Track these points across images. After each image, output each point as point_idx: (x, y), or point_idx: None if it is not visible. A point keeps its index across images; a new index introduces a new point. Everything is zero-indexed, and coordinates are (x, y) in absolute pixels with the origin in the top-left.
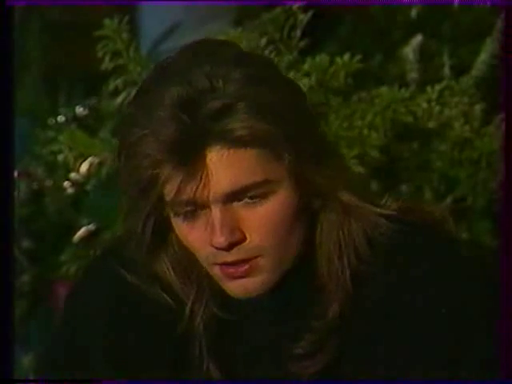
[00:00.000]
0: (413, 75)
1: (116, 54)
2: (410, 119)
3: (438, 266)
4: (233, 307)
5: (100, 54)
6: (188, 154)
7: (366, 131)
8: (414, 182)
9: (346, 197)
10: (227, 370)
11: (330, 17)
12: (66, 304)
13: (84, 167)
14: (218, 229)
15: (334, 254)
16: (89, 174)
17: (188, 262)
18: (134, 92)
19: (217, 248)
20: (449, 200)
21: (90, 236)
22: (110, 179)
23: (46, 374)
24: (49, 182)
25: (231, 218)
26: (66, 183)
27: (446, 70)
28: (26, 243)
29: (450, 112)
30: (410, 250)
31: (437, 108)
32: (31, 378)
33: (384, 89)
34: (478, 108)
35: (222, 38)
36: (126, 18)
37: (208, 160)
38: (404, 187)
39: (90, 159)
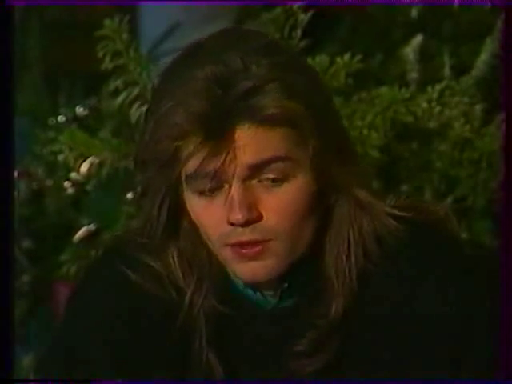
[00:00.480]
0: (413, 75)
1: (116, 54)
2: (410, 119)
3: (444, 267)
4: (233, 301)
5: (100, 54)
6: (217, 127)
7: (366, 131)
8: (414, 182)
9: (360, 194)
10: (227, 362)
11: (330, 17)
12: (69, 304)
13: (84, 167)
14: (236, 204)
15: (343, 252)
16: (89, 174)
17: (192, 252)
18: (163, 69)
19: (233, 224)
20: (449, 200)
21: (90, 236)
22: (111, 179)
23: (48, 375)
24: (49, 182)
25: (250, 195)
26: (67, 183)
27: (447, 70)
28: (26, 243)
29: (450, 112)
30: (418, 251)
31: (437, 108)
32: (31, 378)
33: (384, 89)
34: (478, 108)
35: None
36: (126, 18)
37: (236, 136)
38: (404, 187)
39: (90, 159)
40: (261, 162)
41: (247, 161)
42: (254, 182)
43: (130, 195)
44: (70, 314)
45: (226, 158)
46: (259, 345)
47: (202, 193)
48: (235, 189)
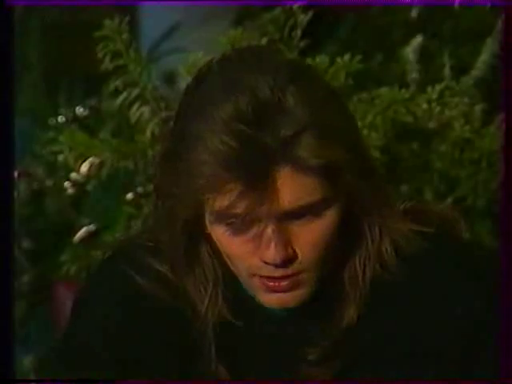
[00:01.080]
0: (413, 75)
1: (116, 55)
2: (410, 119)
3: (460, 279)
4: (245, 309)
5: (100, 55)
6: (255, 176)
7: (366, 131)
8: (414, 182)
9: (385, 212)
10: (236, 374)
11: (330, 17)
12: (74, 306)
13: (84, 167)
14: (272, 245)
15: (359, 264)
16: (89, 175)
17: (208, 271)
18: (182, 97)
19: (267, 263)
20: (449, 200)
21: (91, 236)
22: (111, 179)
23: (50, 375)
24: (49, 183)
25: (285, 234)
26: (67, 183)
27: (447, 71)
28: (26, 243)
29: (450, 112)
30: (435, 264)
31: (437, 108)
32: (32, 378)
33: (384, 89)
34: (478, 108)
35: (222, 38)
36: (126, 19)
37: (274, 180)
38: (404, 187)
39: (90, 159)
40: (299, 206)
41: (286, 206)
42: (288, 220)
43: (129, 195)
44: (76, 315)
45: (261, 199)
46: (271, 352)
47: (229, 226)
48: (272, 229)
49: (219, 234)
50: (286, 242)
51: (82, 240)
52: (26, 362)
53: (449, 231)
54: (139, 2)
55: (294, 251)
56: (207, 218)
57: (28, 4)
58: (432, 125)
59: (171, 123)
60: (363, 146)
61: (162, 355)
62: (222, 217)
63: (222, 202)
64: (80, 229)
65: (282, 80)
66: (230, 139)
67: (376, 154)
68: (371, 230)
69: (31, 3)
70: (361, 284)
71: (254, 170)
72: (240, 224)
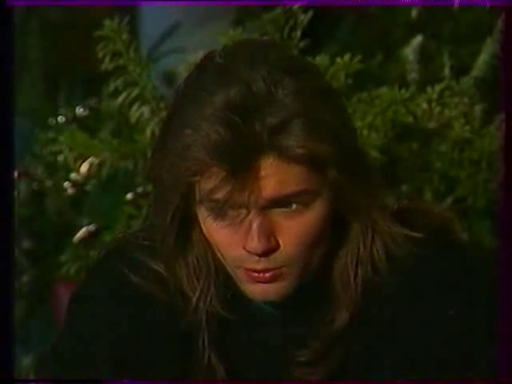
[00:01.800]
0: (413, 76)
1: (116, 55)
2: (410, 120)
3: (451, 280)
4: (238, 306)
5: (100, 55)
6: (240, 162)
7: (366, 132)
8: (414, 182)
9: (376, 215)
10: (229, 366)
11: (330, 17)
12: (70, 304)
13: (84, 168)
14: (255, 234)
15: (351, 267)
16: (89, 175)
17: (200, 259)
18: (179, 85)
19: (250, 252)
20: (449, 200)
21: (90, 236)
22: (110, 179)
23: (48, 375)
24: (49, 183)
25: (269, 224)
26: (66, 184)
27: (446, 71)
28: (26, 243)
29: (450, 112)
30: (426, 267)
31: (437, 108)
32: (31, 378)
33: (384, 89)
34: (478, 108)
35: (222, 38)
36: (126, 19)
37: (260, 169)
38: (404, 188)
39: (90, 160)
40: (283, 195)
41: (269, 194)
42: (272, 210)
43: (129, 195)
44: (72, 314)
45: (246, 187)
46: (262, 351)
47: (216, 216)
48: (255, 218)
49: (206, 222)
50: (269, 232)
51: (82, 240)
52: (25, 362)
53: (445, 232)
54: (139, 2)
55: (277, 241)
56: (198, 209)
57: (28, 4)
58: (432, 125)
59: (167, 111)
60: (355, 145)
61: (159, 349)
62: (207, 203)
63: (204, 187)
64: (80, 229)
65: (278, 74)
66: (219, 126)
67: (376, 154)
68: (363, 232)
69: (31, 3)
70: (352, 287)
71: (238, 156)
72: (223, 211)
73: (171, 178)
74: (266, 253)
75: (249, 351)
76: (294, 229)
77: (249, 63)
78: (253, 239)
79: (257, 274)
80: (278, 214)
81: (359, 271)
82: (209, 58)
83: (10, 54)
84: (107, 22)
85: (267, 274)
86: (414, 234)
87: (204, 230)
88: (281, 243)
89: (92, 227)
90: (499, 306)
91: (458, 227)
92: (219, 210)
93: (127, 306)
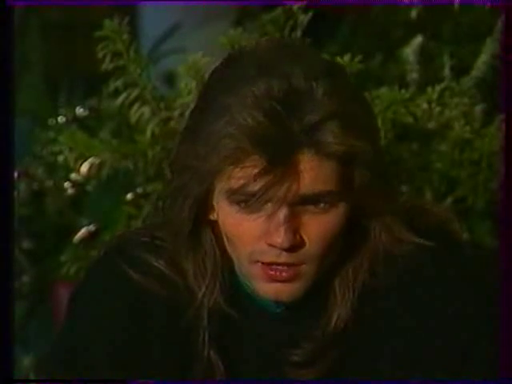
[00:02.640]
0: (413, 76)
1: (116, 55)
2: (410, 120)
3: (452, 282)
4: (239, 302)
5: (100, 55)
6: (281, 153)
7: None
8: (414, 182)
9: (389, 220)
10: (228, 362)
11: (330, 17)
12: (71, 302)
13: (84, 168)
14: (283, 229)
15: (351, 269)
16: (89, 175)
17: (206, 255)
18: (211, 74)
19: (274, 246)
20: (449, 200)
21: (91, 236)
22: (111, 180)
23: (49, 374)
24: (49, 183)
25: (296, 221)
26: (67, 184)
27: (447, 71)
28: (26, 243)
29: (450, 113)
30: (425, 268)
31: (437, 109)
32: (31, 378)
33: (384, 89)
34: (478, 109)
35: (222, 38)
36: (127, 19)
37: (296, 163)
38: (404, 188)
39: (90, 160)
40: (314, 194)
41: (302, 191)
42: (300, 207)
43: (129, 196)
44: (72, 313)
45: (281, 181)
46: (259, 348)
47: (240, 205)
48: (283, 213)
49: (229, 214)
50: (295, 228)
51: (82, 240)
52: (25, 362)
53: (445, 232)
54: (139, 2)
55: (302, 239)
56: (216, 199)
57: (28, 4)
58: (432, 125)
59: (196, 101)
60: (380, 146)
61: (159, 346)
62: (237, 194)
63: (240, 177)
64: (80, 229)
65: (316, 72)
66: (260, 114)
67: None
68: (372, 236)
69: (31, 3)
70: (351, 289)
71: (279, 146)
72: (254, 203)
73: (205, 167)
74: (292, 248)
75: (248, 349)
76: (319, 227)
77: (289, 58)
78: (279, 233)
79: (273, 272)
80: (305, 212)
81: (359, 275)
82: (241, 50)
83: (10, 54)
84: (107, 23)
85: (284, 274)
86: (426, 243)
87: (224, 220)
88: (306, 240)
89: (92, 227)
90: (499, 305)
91: (457, 227)
92: (251, 205)
93: (127, 303)
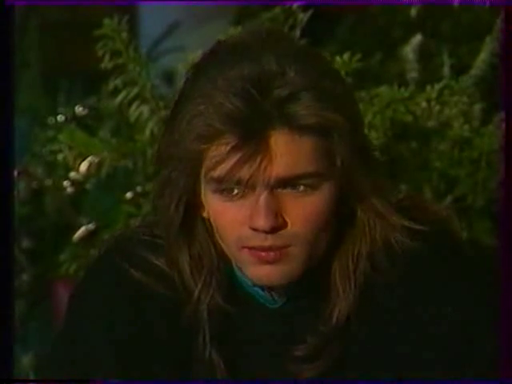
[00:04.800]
0: (412, 74)
1: (115, 54)
2: (409, 119)
3: (451, 280)
4: (238, 299)
5: (99, 54)
6: (252, 130)
7: (365, 131)
8: (413, 181)
9: (379, 204)
10: (229, 359)
11: (329, 16)
12: (71, 301)
13: (83, 166)
14: (263, 211)
15: (351, 261)
16: (88, 174)
17: (202, 250)
18: (191, 66)
19: (257, 230)
20: (449, 199)
21: (90, 235)
22: (110, 178)
23: (49, 374)
24: (48, 182)
25: (277, 203)
26: (66, 182)
27: (446, 70)
28: (25, 242)
29: (449, 111)
30: (426, 263)
31: (436, 107)
32: (31, 377)
33: (383, 88)
34: (477, 107)
35: (221, 37)
36: (126, 18)
37: (271, 142)
38: (403, 187)
39: (89, 158)
40: (293, 175)
41: (280, 173)
42: (280, 189)
43: (129, 194)
44: (72, 311)
45: (258, 163)
46: (260, 344)
47: (222, 193)
48: (263, 196)
49: (214, 203)
50: (276, 210)
51: (82, 239)
52: (25, 361)
53: (443, 230)
54: (139, 1)
55: (284, 220)
56: (203, 193)
57: (28, 4)
58: (431, 124)
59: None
60: (363, 127)
61: (160, 344)
62: (220, 184)
63: (213, 155)
64: (79, 228)
65: (290, 57)
66: (231, 95)
67: (375, 152)
68: (366, 223)
69: (31, 3)
70: (352, 280)
71: (250, 125)
72: (230, 185)
73: (180, 151)
74: (273, 230)
75: (248, 345)
76: (301, 210)
77: (262, 47)
78: (260, 216)
79: (263, 253)
80: (284, 195)
81: (359, 265)
82: (220, 43)
83: (10, 53)
84: (107, 21)
85: (272, 253)
86: (415, 226)
87: (210, 212)
88: (288, 222)
89: (91, 226)
90: (499, 305)
91: (456, 225)
92: (226, 186)
93: (128, 302)
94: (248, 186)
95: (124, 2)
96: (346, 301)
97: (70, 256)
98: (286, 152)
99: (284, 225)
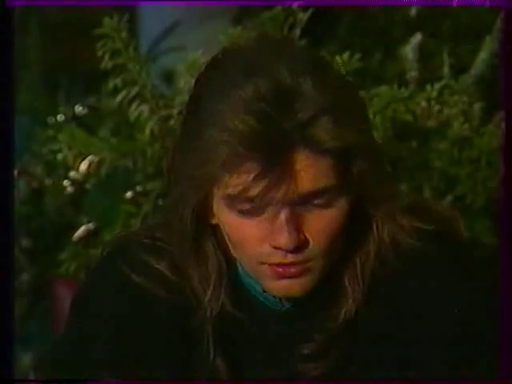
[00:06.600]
0: (412, 74)
1: (115, 53)
2: (409, 118)
3: (454, 280)
4: (244, 303)
5: (99, 53)
6: (275, 155)
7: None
8: (413, 180)
9: (387, 206)
10: (234, 363)
11: (329, 16)
12: (73, 304)
13: (83, 166)
14: (286, 230)
15: (359, 261)
16: (88, 173)
17: (212, 260)
18: (198, 78)
19: (279, 248)
20: (448, 199)
21: (90, 235)
22: (110, 178)
23: (49, 374)
24: (48, 181)
25: (298, 220)
26: (66, 182)
27: (446, 69)
28: (25, 242)
29: (449, 111)
30: (431, 266)
31: (436, 107)
32: (31, 377)
33: (383, 88)
34: (477, 107)
35: (221, 36)
36: (126, 17)
37: (293, 162)
38: (403, 186)
39: (89, 158)
40: (313, 192)
41: (301, 191)
42: (300, 206)
43: (129, 194)
44: (74, 314)
45: (281, 183)
46: (268, 346)
47: (242, 211)
48: (284, 214)
49: (230, 219)
50: (298, 228)
51: (82, 238)
52: (25, 361)
53: (449, 230)
54: (139, 1)
55: (306, 237)
56: (216, 205)
57: (28, 4)
58: (431, 123)
59: (186, 108)
60: (373, 134)
61: (162, 349)
62: (236, 200)
63: (237, 183)
64: (79, 227)
65: (301, 67)
66: (250, 118)
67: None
68: (374, 225)
69: (31, 3)
70: (360, 280)
71: (273, 150)
72: (254, 208)
73: (201, 175)
74: (297, 248)
75: (253, 348)
76: (321, 225)
77: (270, 56)
78: (283, 235)
79: (282, 270)
80: (304, 211)
81: (367, 264)
82: (224, 52)
83: (10, 53)
84: (107, 21)
85: (293, 270)
86: (423, 226)
87: (226, 226)
88: (309, 238)
89: (91, 225)
90: (500, 305)
91: (461, 225)
92: (252, 209)
93: (129, 305)
94: (268, 205)
95: (124, 1)
96: (353, 300)
97: (69, 255)
98: (309, 171)
99: (306, 242)
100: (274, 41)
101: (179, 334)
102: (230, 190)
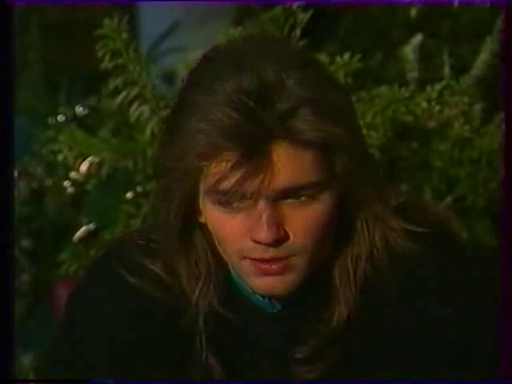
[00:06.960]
0: (413, 74)
1: (116, 54)
2: (409, 119)
3: (451, 280)
4: (236, 304)
5: (100, 54)
6: (253, 146)
7: (365, 131)
8: (413, 181)
9: (378, 208)
10: (227, 365)
11: (329, 16)
12: (68, 305)
13: (84, 167)
14: (265, 224)
15: (351, 263)
16: (89, 174)
17: (200, 256)
18: (187, 75)
19: (259, 242)
20: (449, 199)
21: (90, 235)
22: (110, 179)
23: (47, 375)
24: (49, 182)
25: (279, 214)
26: (66, 183)
27: (446, 70)
28: (25, 242)
29: (449, 111)
30: (426, 265)
31: (437, 107)
32: (31, 377)
33: (384, 88)
34: (477, 107)
35: (222, 37)
36: (126, 18)
37: (271, 154)
38: (404, 187)
39: (89, 159)
40: (294, 186)
41: (282, 185)
42: (282, 201)
43: (129, 194)
44: (69, 315)
45: (261, 177)
46: (260, 348)
47: (222, 204)
48: (265, 208)
49: (213, 214)
50: (278, 222)
51: (82, 239)
52: (25, 361)
53: (443, 232)
54: (139, 1)
55: (286, 232)
56: (201, 202)
57: (28, 4)
58: (431, 124)
59: (173, 103)
60: (361, 134)
61: (157, 349)
62: (214, 192)
63: (215, 172)
64: (80, 228)
65: (287, 65)
66: (230, 109)
67: (375, 153)
68: (365, 227)
69: (31, 3)
70: (352, 283)
71: (252, 138)
72: (231, 199)
73: (181, 166)
74: (276, 242)
75: (246, 350)
76: (303, 220)
77: (258, 54)
78: (262, 229)
79: (264, 266)
80: (286, 206)
81: (359, 267)
82: (216, 49)
83: (10, 53)
84: (107, 21)
85: (275, 266)
86: (415, 229)
87: (210, 222)
88: (290, 234)
89: (92, 226)
90: (499, 305)
91: (456, 225)
92: (228, 200)
93: (124, 306)
94: (248, 199)
95: (124, 2)
96: (346, 303)
97: (70, 256)
98: (288, 164)
99: (286, 236)
100: (265, 40)
101: (174, 334)
102: (209, 181)
